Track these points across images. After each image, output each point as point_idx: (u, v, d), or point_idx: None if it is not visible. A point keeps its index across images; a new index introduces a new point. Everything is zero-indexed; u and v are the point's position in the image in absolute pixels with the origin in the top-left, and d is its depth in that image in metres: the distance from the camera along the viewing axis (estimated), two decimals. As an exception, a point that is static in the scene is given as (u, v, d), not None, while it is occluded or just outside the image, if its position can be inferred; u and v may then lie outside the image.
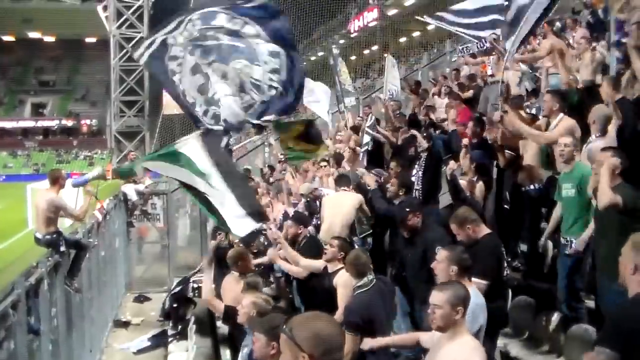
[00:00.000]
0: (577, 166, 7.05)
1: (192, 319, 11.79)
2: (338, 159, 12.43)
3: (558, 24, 14.52)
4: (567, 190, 7.02)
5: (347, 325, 5.79)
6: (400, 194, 8.67)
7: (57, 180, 9.86)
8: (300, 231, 8.81)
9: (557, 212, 7.36)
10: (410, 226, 7.34)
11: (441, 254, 5.43)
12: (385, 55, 15.49)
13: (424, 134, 10.84)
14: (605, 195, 5.62)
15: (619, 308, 4.19)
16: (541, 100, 10.03)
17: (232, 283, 7.84)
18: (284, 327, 3.09)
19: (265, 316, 5.23)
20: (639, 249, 3.96)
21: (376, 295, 6.23)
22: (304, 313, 3.64)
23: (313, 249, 8.29)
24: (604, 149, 6.22)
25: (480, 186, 8.71)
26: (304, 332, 3.01)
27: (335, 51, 15.79)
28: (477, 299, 5.08)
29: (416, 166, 9.91)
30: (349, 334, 5.73)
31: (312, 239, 8.90)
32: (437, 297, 4.45)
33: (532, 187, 8.21)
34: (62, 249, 9.84)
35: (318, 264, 7.55)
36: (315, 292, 7.59)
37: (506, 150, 9.00)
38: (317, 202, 10.26)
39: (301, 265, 7.86)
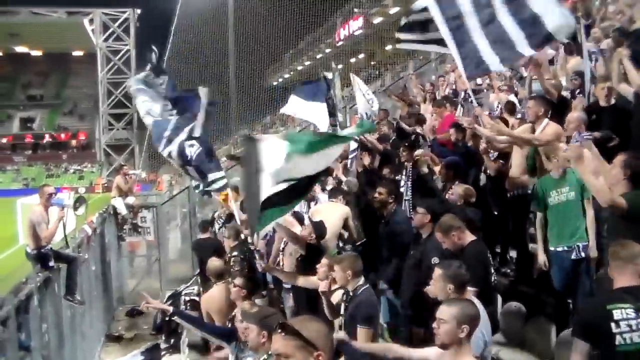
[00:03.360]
0: (570, 171, 6.96)
1: (185, 332, 11.77)
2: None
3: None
4: (564, 194, 6.94)
5: (364, 320, 5.94)
6: (390, 201, 8.69)
7: (42, 196, 9.93)
8: (310, 238, 8.30)
9: (540, 224, 7.28)
10: (415, 221, 7.52)
11: (436, 272, 5.32)
12: (352, 75, 15.34)
13: (411, 141, 10.85)
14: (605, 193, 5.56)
15: None
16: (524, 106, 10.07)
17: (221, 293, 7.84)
18: (285, 330, 3.09)
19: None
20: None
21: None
22: (296, 317, 3.65)
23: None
24: (621, 154, 6.12)
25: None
26: (313, 331, 3.05)
27: (335, 67, 15.66)
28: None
29: (403, 176, 9.95)
30: (364, 328, 5.89)
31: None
32: (443, 312, 4.33)
33: (513, 194, 8.29)
34: (51, 263, 9.85)
35: (317, 281, 7.51)
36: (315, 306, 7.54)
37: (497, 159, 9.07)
38: (306, 210, 10.21)
39: (299, 284, 7.83)
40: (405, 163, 10.05)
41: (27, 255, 9.88)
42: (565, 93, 10.03)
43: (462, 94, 14.28)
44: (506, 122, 9.70)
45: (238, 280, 7.20)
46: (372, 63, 53.84)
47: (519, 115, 10.58)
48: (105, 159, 78.89)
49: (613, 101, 8.07)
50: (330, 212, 9.32)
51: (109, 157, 77.49)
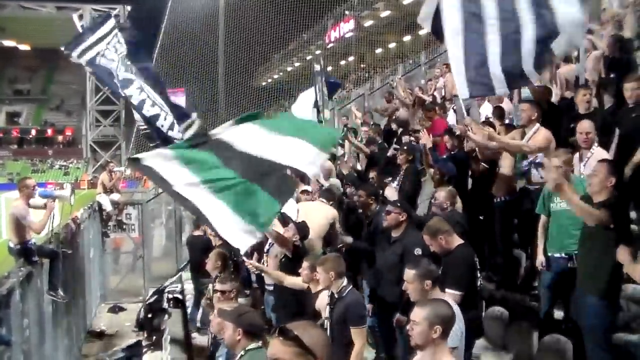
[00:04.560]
0: (575, 177, 6.93)
1: (167, 330, 11.72)
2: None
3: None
4: None
5: (358, 321, 6.14)
6: (371, 202, 8.68)
7: (23, 190, 9.85)
8: (294, 240, 8.20)
9: (543, 226, 7.16)
10: (389, 220, 7.50)
11: (408, 275, 5.41)
12: None
13: (404, 146, 10.83)
14: (591, 214, 5.69)
15: None
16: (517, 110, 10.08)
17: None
18: (285, 334, 3.04)
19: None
20: None
21: None
22: (294, 322, 3.49)
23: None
24: (600, 161, 6.23)
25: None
26: (313, 338, 3.00)
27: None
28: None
29: (397, 178, 9.95)
30: (359, 328, 6.13)
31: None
32: (415, 314, 4.29)
33: (499, 199, 8.28)
34: (35, 258, 9.79)
35: (302, 283, 7.47)
36: (297, 308, 7.51)
37: (481, 163, 9.05)
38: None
39: (286, 284, 7.78)
40: (401, 167, 10.04)
41: (9, 250, 9.80)
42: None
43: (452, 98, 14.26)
44: (494, 127, 9.68)
45: (219, 286, 7.15)
46: (362, 66, 53.92)
47: (506, 121, 10.55)
48: (91, 156, 78.31)
49: (592, 109, 8.10)
50: (317, 212, 9.28)
51: (95, 153, 76.90)
